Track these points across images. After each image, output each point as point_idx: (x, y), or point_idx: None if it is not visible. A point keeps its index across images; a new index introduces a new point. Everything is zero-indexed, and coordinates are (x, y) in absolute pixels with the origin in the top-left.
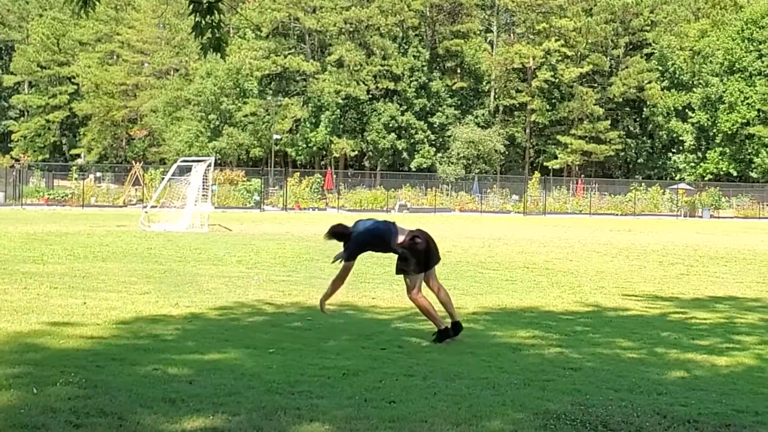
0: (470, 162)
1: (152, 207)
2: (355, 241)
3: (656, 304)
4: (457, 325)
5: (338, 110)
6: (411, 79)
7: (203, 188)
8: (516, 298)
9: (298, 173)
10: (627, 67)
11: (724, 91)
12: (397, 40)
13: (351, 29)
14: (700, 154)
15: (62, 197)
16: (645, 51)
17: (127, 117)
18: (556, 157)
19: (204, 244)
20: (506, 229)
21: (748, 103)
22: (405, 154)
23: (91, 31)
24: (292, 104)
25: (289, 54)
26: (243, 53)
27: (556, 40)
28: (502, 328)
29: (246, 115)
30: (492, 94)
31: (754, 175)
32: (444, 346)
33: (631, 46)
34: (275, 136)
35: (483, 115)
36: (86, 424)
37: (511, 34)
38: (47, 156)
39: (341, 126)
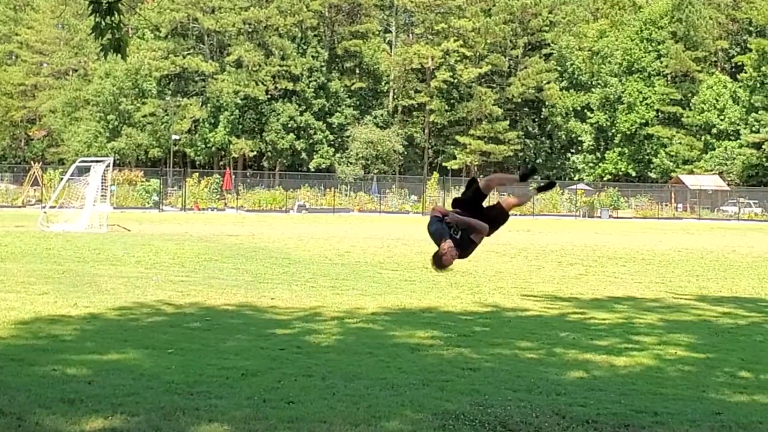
0: (369, 162)
1: (51, 207)
2: None
3: (555, 304)
4: None
5: (237, 110)
6: (310, 79)
7: (102, 188)
8: (415, 298)
9: (197, 173)
10: (526, 68)
11: (622, 92)
12: (296, 41)
13: (250, 30)
14: (598, 155)
15: None
16: (544, 51)
17: (26, 117)
18: (454, 158)
19: (103, 245)
20: (405, 230)
21: (646, 104)
22: (304, 155)
23: None
24: (190, 104)
25: (188, 54)
26: (142, 54)
27: (455, 41)
28: (401, 329)
29: (145, 116)
30: (391, 94)
31: (652, 175)
32: (343, 347)
33: (529, 47)
34: (174, 137)
35: (382, 115)
36: None
37: (410, 35)
38: None
39: (240, 126)
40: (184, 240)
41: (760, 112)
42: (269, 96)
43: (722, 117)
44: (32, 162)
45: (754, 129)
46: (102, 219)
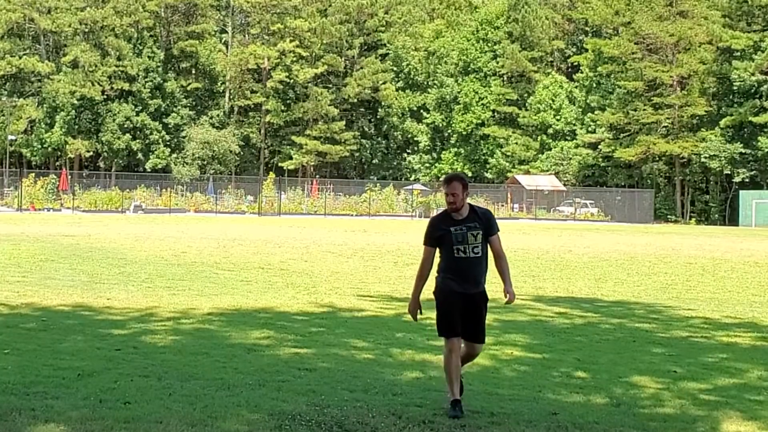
0: (205, 163)
1: None
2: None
3: (391, 304)
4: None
5: (73, 111)
6: (146, 79)
7: None
8: (251, 298)
9: (33, 174)
10: (362, 68)
11: (459, 92)
12: (132, 41)
13: (86, 30)
14: (435, 155)
15: None
16: (380, 51)
17: None
18: (291, 158)
19: None
20: (241, 230)
21: (482, 104)
22: (140, 155)
23: None
24: (27, 105)
25: (24, 54)
26: None
27: (291, 41)
28: (237, 329)
29: None
30: (227, 94)
31: (488, 175)
32: (179, 348)
33: (366, 47)
34: (10, 137)
35: (218, 115)
36: None
37: (246, 35)
38: None
39: (76, 127)
40: (20, 240)
41: (596, 112)
42: (105, 96)
43: (558, 117)
44: None
45: (590, 129)
46: None
